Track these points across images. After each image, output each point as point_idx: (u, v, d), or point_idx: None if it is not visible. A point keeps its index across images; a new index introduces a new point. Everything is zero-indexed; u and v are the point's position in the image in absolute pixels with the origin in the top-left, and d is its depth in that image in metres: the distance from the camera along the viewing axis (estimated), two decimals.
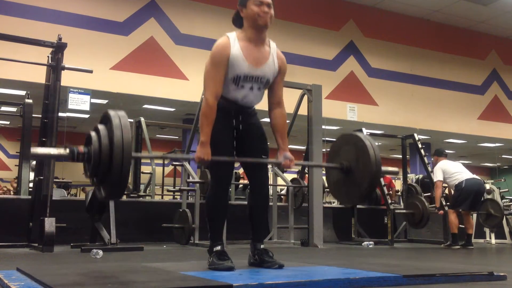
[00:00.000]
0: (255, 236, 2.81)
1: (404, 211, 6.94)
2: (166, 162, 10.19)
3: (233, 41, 2.70)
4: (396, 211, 6.90)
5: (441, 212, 6.47)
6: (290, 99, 6.33)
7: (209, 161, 2.61)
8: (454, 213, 6.36)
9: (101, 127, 2.31)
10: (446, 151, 6.97)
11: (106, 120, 2.34)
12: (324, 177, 6.92)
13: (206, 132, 2.62)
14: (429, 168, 7.15)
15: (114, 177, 2.17)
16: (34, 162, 5.88)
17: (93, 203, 5.02)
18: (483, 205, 7.08)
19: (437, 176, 6.44)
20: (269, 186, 2.94)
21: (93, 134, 2.29)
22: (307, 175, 6.33)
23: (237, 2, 2.79)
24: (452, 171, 6.42)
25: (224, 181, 2.77)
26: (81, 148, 2.27)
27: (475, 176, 6.48)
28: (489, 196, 7.72)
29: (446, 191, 7.02)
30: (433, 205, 6.74)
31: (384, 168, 2.93)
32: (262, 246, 2.77)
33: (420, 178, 9.03)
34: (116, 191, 2.26)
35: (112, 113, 2.29)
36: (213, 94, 2.64)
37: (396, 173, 3.31)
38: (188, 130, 8.91)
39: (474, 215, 7.66)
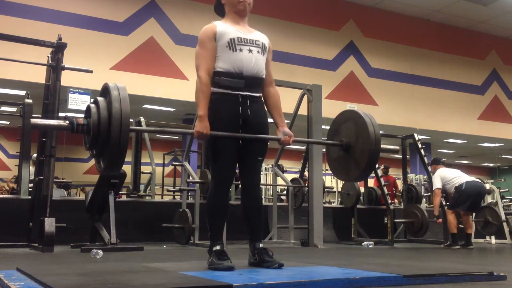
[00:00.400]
0: (253, 236, 2.81)
1: (403, 220, 6.98)
2: (166, 162, 10.18)
3: (218, 23, 2.80)
4: (395, 220, 6.91)
5: (440, 220, 6.48)
6: (290, 99, 6.36)
7: (208, 135, 2.61)
8: (453, 214, 6.36)
9: (100, 99, 2.32)
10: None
11: (105, 92, 2.34)
12: (324, 177, 6.93)
13: (203, 105, 2.64)
14: (429, 168, 7.15)
15: (112, 148, 2.18)
16: (34, 155, 5.88)
17: (93, 203, 5.02)
18: (481, 212, 7.08)
19: (436, 184, 6.45)
20: (268, 186, 2.94)
21: (92, 106, 2.31)
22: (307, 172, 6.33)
23: None
24: (450, 176, 6.43)
25: (225, 182, 2.76)
26: (81, 120, 2.28)
27: (475, 178, 6.48)
28: (489, 200, 7.72)
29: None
30: (432, 205, 6.75)
31: (383, 146, 2.93)
32: (261, 245, 2.77)
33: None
34: (114, 162, 2.27)
35: (111, 85, 2.30)
36: (205, 70, 2.70)
37: (396, 150, 3.32)
38: None
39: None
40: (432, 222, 6.68)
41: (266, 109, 2.90)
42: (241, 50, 2.73)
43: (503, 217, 7.61)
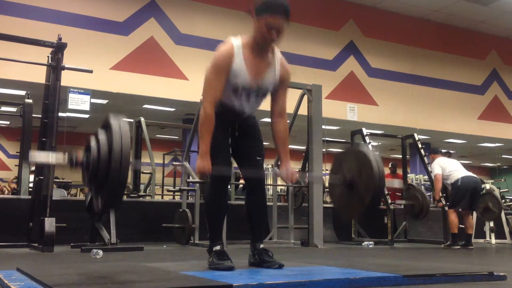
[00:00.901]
0: (254, 236, 2.81)
1: (404, 202, 6.93)
2: (166, 162, 10.19)
3: (237, 49, 2.64)
4: (396, 201, 6.88)
5: (441, 204, 6.47)
6: (290, 99, 6.32)
7: (210, 172, 2.57)
8: (454, 213, 6.36)
9: (100, 132, 2.26)
10: (445, 150, 6.98)
11: (106, 125, 2.28)
12: (324, 177, 6.93)
13: (206, 142, 2.58)
14: (429, 168, 7.15)
15: (111, 185, 2.13)
16: (33, 168, 5.88)
17: (93, 203, 5.01)
18: (482, 199, 7.08)
19: (436, 170, 6.46)
20: (267, 186, 2.94)
21: (92, 140, 2.25)
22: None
23: (253, 3, 2.64)
24: (448, 169, 6.44)
25: (221, 179, 2.75)
26: (80, 155, 2.23)
27: (471, 173, 6.48)
28: (488, 188, 7.73)
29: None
30: (434, 205, 6.75)
31: (388, 181, 2.89)
32: (261, 246, 2.77)
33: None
34: (113, 199, 2.21)
35: (112, 119, 2.24)
36: (212, 103, 2.60)
37: (401, 189, 3.26)
38: (188, 130, 8.91)
39: (474, 216, 7.66)
40: (432, 222, 6.68)
41: (257, 122, 2.87)
42: (241, 95, 2.69)
43: (504, 221, 7.62)
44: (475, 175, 6.50)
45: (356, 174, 2.86)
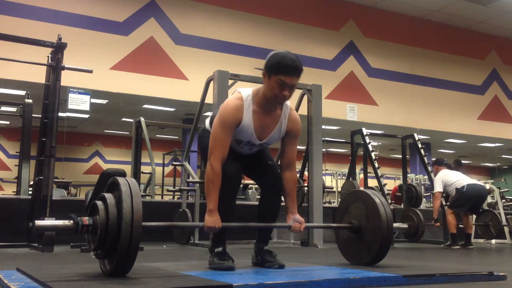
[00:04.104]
0: (261, 238, 2.80)
1: (399, 225, 6.95)
2: (166, 162, 10.19)
3: (247, 105, 2.62)
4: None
5: (437, 224, 6.47)
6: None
7: (220, 228, 2.53)
8: (452, 214, 6.36)
9: (108, 196, 2.14)
10: (446, 161, 6.96)
11: (113, 187, 2.18)
12: (324, 177, 6.93)
13: (213, 199, 2.53)
14: (429, 168, 7.15)
15: (122, 249, 2.01)
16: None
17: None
18: (482, 216, 7.10)
19: (437, 187, 6.44)
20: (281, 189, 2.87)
21: (99, 203, 2.14)
22: (307, 172, 6.33)
23: (266, 62, 2.61)
24: (452, 180, 6.42)
25: (232, 182, 2.67)
26: (86, 219, 2.13)
27: (477, 181, 6.47)
28: (489, 200, 7.72)
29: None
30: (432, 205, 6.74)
31: (396, 225, 2.86)
32: (266, 248, 2.77)
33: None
34: (124, 264, 2.08)
35: (121, 181, 2.13)
36: (219, 159, 2.56)
37: (406, 229, 3.22)
38: (188, 130, 8.91)
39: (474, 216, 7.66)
40: (430, 224, 6.67)
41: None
42: (242, 147, 2.74)
43: (504, 221, 7.62)
44: (481, 184, 6.50)
45: (364, 220, 2.82)
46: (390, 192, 8.00)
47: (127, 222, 2.02)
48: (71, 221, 2.13)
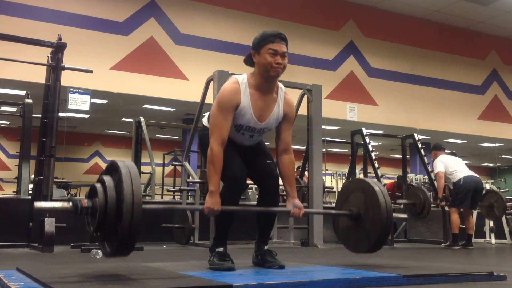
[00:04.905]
0: (260, 238, 2.80)
1: (405, 201, 6.92)
2: (166, 162, 10.19)
3: (243, 88, 2.64)
4: (397, 200, 6.84)
5: (443, 203, 6.44)
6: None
7: (219, 211, 2.53)
8: (457, 213, 6.35)
9: (106, 178, 2.14)
10: (449, 151, 6.96)
11: (112, 170, 2.17)
12: (324, 177, 6.94)
13: (214, 181, 2.53)
14: (429, 168, 7.15)
15: (123, 232, 2.01)
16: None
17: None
18: (485, 197, 7.07)
19: (438, 167, 6.43)
20: (279, 189, 2.88)
21: (98, 185, 2.13)
22: (307, 172, 6.33)
23: (252, 44, 2.67)
24: (451, 167, 6.41)
25: (236, 182, 2.66)
26: (85, 201, 2.13)
27: (473, 173, 6.47)
28: (489, 187, 7.71)
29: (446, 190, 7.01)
30: (434, 205, 6.73)
31: (395, 215, 2.86)
32: (266, 247, 2.77)
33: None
34: (124, 247, 2.09)
35: (119, 163, 2.13)
36: (220, 142, 2.57)
37: (406, 219, 3.24)
38: (188, 130, 8.91)
39: (475, 216, 7.65)
40: (432, 222, 6.67)
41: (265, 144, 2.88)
42: (243, 134, 2.72)
43: (504, 221, 7.61)
44: (476, 175, 6.50)
45: (363, 208, 2.83)
46: (390, 193, 8.00)
47: (128, 205, 2.02)
48: (70, 203, 2.13)
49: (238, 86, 2.63)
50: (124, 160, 2.19)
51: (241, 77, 2.68)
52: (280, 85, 2.76)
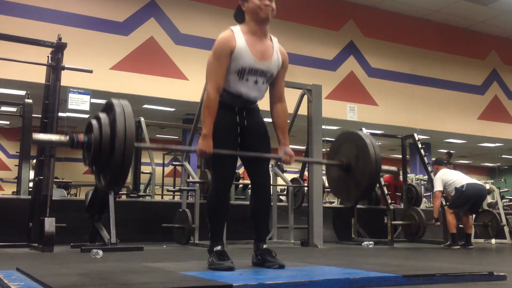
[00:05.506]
0: (258, 237, 2.81)
1: (401, 222, 6.99)
2: (166, 162, 10.19)
3: (237, 33, 2.70)
4: (392, 222, 6.88)
5: (438, 223, 6.47)
6: (290, 99, 6.29)
7: (210, 153, 2.59)
8: (452, 213, 6.36)
9: (102, 115, 2.28)
10: (446, 162, 6.97)
11: (108, 108, 2.31)
12: (324, 177, 6.93)
13: (208, 124, 2.61)
14: (429, 168, 7.15)
15: (115, 165, 2.15)
16: (34, 161, 5.88)
17: (93, 203, 5.02)
18: (480, 217, 7.09)
19: (437, 186, 6.45)
20: (270, 186, 2.92)
21: (94, 122, 2.27)
22: (307, 172, 6.33)
23: None
24: (452, 179, 6.42)
25: (225, 181, 2.73)
26: (81, 136, 2.25)
27: (476, 181, 6.47)
28: (489, 200, 7.72)
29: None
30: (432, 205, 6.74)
31: (384, 167, 2.94)
32: (265, 246, 2.77)
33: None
34: (116, 180, 2.23)
35: (115, 101, 2.27)
36: (215, 87, 2.64)
37: (396, 172, 3.34)
38: (188, 130, 8.91)
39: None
40: (430, 223, 6.67)
41: (262, 119, 2.87)
42: (247, 80, 2.70)
43: (504, 221, 7.61)
44: (481, 183, 6.50)
45: (354, 159, 2.92)
46: (390, 193, 7.99)
47: (121, 140, 2.15)
48: (67, 137, 2.25)
49: (232, 32, 2.70)
50: (120, 99, 2.31)
51: (234, 27, 2.75)
52: (272, 36, 2.84)
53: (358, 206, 7.37)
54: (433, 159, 7.43)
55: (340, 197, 3.18)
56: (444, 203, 6.72)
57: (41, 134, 2.40)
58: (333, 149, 3.11)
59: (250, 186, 2.93)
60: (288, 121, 5.66)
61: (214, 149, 2.59)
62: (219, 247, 2.68)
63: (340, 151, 3.03)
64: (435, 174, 6.68)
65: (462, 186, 6.26)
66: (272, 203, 6.58)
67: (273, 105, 2.85)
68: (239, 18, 2.81)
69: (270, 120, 2.91)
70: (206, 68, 2.71)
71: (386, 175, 8.44)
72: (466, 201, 6.23)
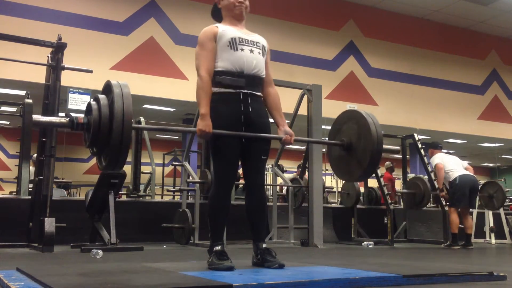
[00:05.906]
0: (255, 237, 2.81)
1: (405, 191, 6.95)
2: (166, 162, 10.18)
3: (218, 24, 2.84)
4: (397, 192, 6.86)
5: (443, 194, 6.47)
6: (290, 99, 6.36)
7: (210, 133, 2.59)
8: (455, 212, 6.35)
9: (101, 97, 2.30)
10: (445, 151, 6.97)
11: (107, 90, 2.32)
12: (324, 177, 6.93)
13: (204, 103, 2.63)
14: (429, 168, 7.15)
15: (113, 146, 2.18)
16: (34, 156, 5.88)
17: (93, 203, 5.02)
18: (485, 188, 7.06)
19: (436, 161, 6.47)
20: (267, 186, 2.94)
21: (93, 103, 2.29)
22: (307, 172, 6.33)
23: None
24: (448, 166, 6.44)
25: (227, 182, 2.74)
26: (81, 119, 2.28)
27: (468, 172, 6.48)
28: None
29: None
30: (433, 204, 6.74)
31: (385, 146, 2.94)
32: (264, 246, 2.77)
33: None
34: (115, 161, 2.26)
35: (113, 82, 2.29)
36: (206, 70, 2.70)
37: (397, 151, 3.34)
38: None
39: (475, 216, 7.66)
40: (432, 222, 6.67)
41: (266, 109, 2.90)
42: (242, 49, 2.75)
43: (504, 222, 7.61)
44: (472, 174, 6.50)
45: (355, 138, 2.92)
46: (390, 193, 8.00)
47: (119, 121, 2.19)
48: (67, 119, 2.29)
49: (213, 25, 2.83)
50: (119, 81, 2.33)
51: (216, 23, 2.89)
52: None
53: (358, 206, 7.38)
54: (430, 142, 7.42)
55: (342, 177, 3.19)
56: (444, 202, 6.72)
57: (41, 116, 2.42)
58: (334, 129, 3.12)
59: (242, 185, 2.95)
60: (288, 121, 5.68)
61: (213, 129, 2.59)
62: (219, 247, 2.68)
63: (341, 130, 3.04)
64: (430, 157, 6.69)
65: (455, 179, 6.30)
66: (272, 203, 6.59)
67: (265, 90, 2.89)
68: (216, 16, 2.96)
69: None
70: (195, 62, 2.77)
71: (385, 172, 8.45)
72: (462, 193, 6.25)
